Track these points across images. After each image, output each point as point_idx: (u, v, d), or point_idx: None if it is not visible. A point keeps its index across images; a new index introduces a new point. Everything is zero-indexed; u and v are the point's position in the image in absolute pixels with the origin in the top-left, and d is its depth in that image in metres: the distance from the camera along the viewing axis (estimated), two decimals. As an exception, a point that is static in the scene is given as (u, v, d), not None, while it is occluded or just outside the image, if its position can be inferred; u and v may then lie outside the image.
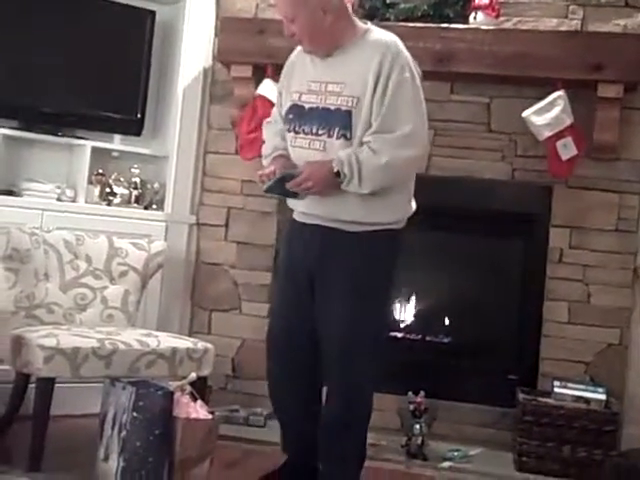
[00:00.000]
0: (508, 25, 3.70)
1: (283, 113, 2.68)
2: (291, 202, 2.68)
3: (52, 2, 3.73)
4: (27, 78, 3.67)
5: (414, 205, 2.65)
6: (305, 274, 2.60)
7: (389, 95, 2.47)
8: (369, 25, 2.63)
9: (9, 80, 3.64)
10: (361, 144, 2.48)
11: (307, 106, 2.57)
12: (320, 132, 2.54)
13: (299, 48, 2.69)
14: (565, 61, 3.50)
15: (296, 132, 2.60)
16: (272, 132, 2.76)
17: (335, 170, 2.46)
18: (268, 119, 2.84)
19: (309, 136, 2.56)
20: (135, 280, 3.41)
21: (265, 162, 2.71)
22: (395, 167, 2.48)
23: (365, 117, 2.48)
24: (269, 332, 2.73)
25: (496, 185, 3.74)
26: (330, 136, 2.51)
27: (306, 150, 2.56)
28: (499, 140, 3.73)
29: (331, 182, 2.48)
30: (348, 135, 2.50)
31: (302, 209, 2.63)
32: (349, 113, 2.49)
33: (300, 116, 2.59)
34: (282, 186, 2.50)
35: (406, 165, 2.53)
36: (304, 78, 2.62)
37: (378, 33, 2.59)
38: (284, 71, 2.75)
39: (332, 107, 2.51)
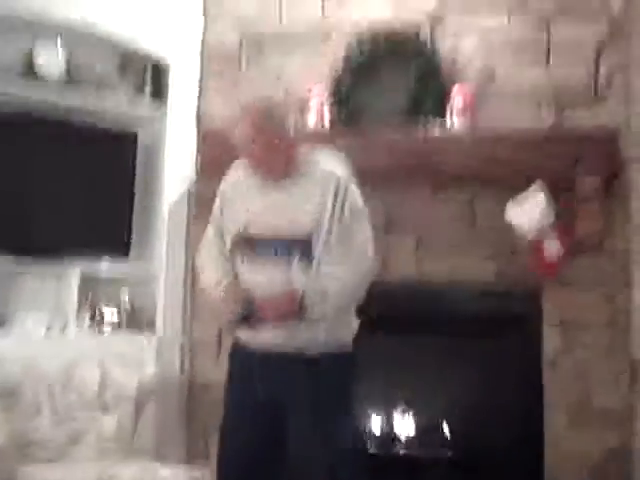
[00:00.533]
0: (483, 127, 3.70)
1: (228, 241, 2.67)
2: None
3: (36, 131, 3.76)
4: (13, 208, 3.69)
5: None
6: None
7: (345, 225, 2.56)
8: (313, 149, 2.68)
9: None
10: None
11: (258, 234, 2.59)
12: (278, 257, 2.56)
13: (236, 172, 2.73)
14: (542, 159, 3.52)
15: (252, 260, 2.60)
16: (215, 253, 2.71)
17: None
18: (204, 242, 2.80)
19: (265, 262, 2.57)
20: (129, 409, 3.40)
21: (216, 289, 2.65)
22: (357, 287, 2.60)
23: (323, 244, 2.54)
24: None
25: (484, 287, 3.71)
26: (289, 262, 2.55)
27: (264, 275, 2.56)
28: (484, 238, 3.72)
29: (297, 314, 2.51)
30: (307, 259, 2.54)
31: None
32: (306, 241, 2.54)
33: (251, 244, 2.60)
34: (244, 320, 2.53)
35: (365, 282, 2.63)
36: (249, 206, 2.63)
37: (325, 160, 2.65)
38: (220, 199, 2.75)
39: (288, 237, 2.55)
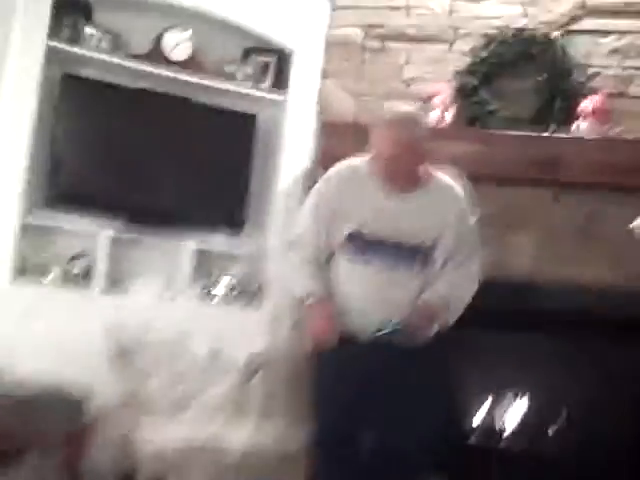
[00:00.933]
0: (612, 133, 3.64)
1: (338, 240, 2.66)
2: None
3: (159, 107, 3.85)
4: (133, 180, 3.78)
5: None
6: None
7: (465, 241, 2.71)
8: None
9: (116, 181, 3.75)
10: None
11: (374, 236, 2.62)
12: (396, 266, 2.62)
13: (346, 170, 2.76)
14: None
15: (364, 262, 2.63)
16: (306, 262, 2.69)
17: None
18: (290, 243, 2.78)
19: (382, 269, 2.62)
20: (236, 380, 3.41)
21: (306, 300, 2.68)
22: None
23: (441, 255, 2.67)
24: None
25: (606, 292, 3.60)
26: (409, 270, 2.63)
27: (378, 284, 2.61)
28: (604, 248, 3.63)
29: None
30: (425, 270, 2.65)
31: None
32: (426, 251, 2.65)
33: (363, 247, 2.63)
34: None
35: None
36: (368, 207, 2.64)
37: (443, 179, 2.73)
38: (330, 194, 2.73)
39: (408, 245, 2.62)
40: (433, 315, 2.63)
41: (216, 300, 3.85)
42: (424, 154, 2.66)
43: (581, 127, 3.63)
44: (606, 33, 3.76)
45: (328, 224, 2.68)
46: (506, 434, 3.85)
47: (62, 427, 2.82)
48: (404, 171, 2.64)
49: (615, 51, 3.76)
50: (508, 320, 3.60)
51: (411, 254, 2.62)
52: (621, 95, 3.72)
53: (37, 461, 2.75)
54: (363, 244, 2.62)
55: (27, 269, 3.57)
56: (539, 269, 3.64)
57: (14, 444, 2.77)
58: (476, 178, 3.63)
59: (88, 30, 3.75)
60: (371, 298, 2.61)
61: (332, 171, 2.82)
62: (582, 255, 3.65)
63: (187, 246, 3.83)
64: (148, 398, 3.19)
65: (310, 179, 3.97)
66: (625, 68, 3.75)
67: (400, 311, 2.59)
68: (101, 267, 3.67)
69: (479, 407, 3.89)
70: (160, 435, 2.83)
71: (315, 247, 2.70)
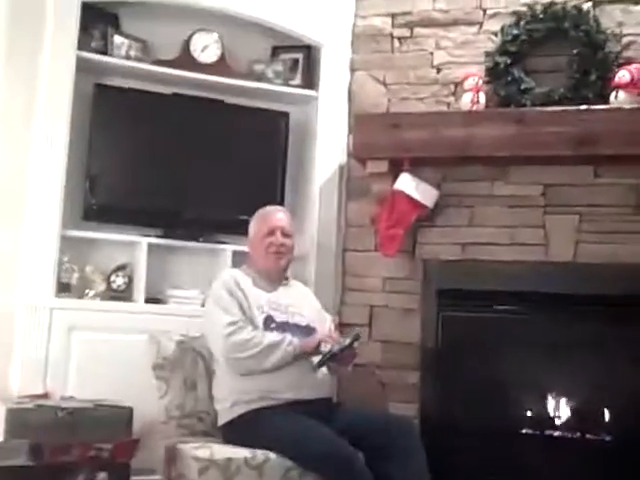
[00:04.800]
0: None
1: (260, 322, 3.02)
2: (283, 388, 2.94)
3: (192, 110, 3.87)
4: (168, 186, 3.80)
5: None
6: None
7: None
8: None
9: (152, 189, 3.77)
10: None
11: (279, 320, 3.05)
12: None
13: (239, 271, 3.19)
14: None
15: None
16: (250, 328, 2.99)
17: None
18: (232, 321, 2.97)
19: None
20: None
21: (289, 346, 2.95)
22: None
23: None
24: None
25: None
26: None
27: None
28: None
29: None
30: None
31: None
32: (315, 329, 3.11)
33: (278, 326, 3.03)
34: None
35: None
36: (261, 297, 3.08)
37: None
38: (234, 287, 3.07)
39: (301, 323, 3.10)
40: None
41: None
42: None
43: (619, 98, 3.53)
44: (638, 1, 3.66)
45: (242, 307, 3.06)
46: (558, 422, 3.76)
47: (110, 439, 2.82)
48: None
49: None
50: (552, 305, 3.56)
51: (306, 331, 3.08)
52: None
53: (89, 474, 2.77)
54: (275, 323, 3.05)
55: (70, 284, 3.60)
56: (580, 249, 3.57)
57: (66, 458, 2.79)
58: (514, 160, 3.64)
59: (117, 39, 3.78)
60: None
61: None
62: (626, 232, 3.54)
63: (226, 250, 3.83)
64: (193, 410, 3.15)
65: (347, 172, 4.01)
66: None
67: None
68: (142, 278, 3.69)
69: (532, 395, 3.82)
70: (207, 450, 2.79)
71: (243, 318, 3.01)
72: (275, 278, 3.19)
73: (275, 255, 3.16)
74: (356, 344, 2.95)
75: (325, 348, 2.93)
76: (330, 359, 2.93)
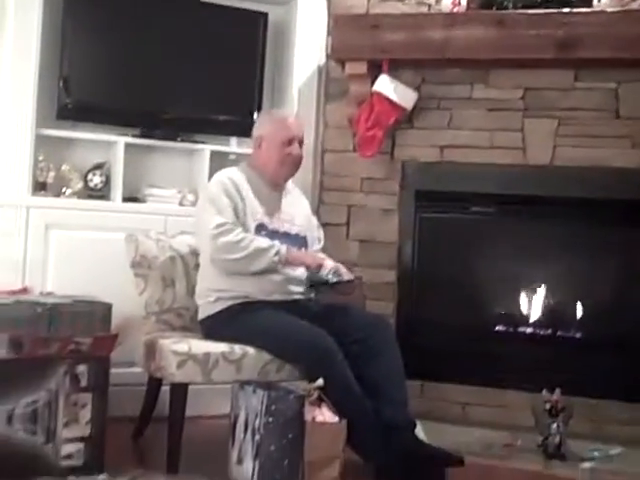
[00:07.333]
0: (635, 5, 3.50)
1: (252, 228, 3.02)
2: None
3: (167, 10, 3.77)
4: (145, 86, 3.73)
5: None
6: None
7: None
8: None
9: (128, 89, 3.71)
10: None
11: (270, 227, 3.07)
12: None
13: (239, 172, 3.11)
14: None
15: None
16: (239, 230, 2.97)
17: None
18: (222, 222, 2.95)
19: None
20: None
21: (275, 256, 2.95)
22: None
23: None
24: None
25: (627, 173, 3.55)
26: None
27: None
28: (628, 127, 3.54)
29: None
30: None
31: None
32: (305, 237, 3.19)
33: (268, 234, 3.04)
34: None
35: None
36: (257, 207, 3.06)
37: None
38: (232, 190, 3.03)
39: (291, 232, 3.13)
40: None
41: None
42: None
43: (602, 1, 3.50)
44: None
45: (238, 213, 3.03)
46: (532, 320, 3.85)
47: (90, 334, 2.84)
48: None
49: None
50: (529, 207, 3.61)
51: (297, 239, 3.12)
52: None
53: (69, 367, 2.80)
54: (267, 232, 3.05)
55: (46, 183, 3.57)
56: (558, 153, 3.59)
57: (46, 351, 2.81)
58: (494, 62, 3.62)
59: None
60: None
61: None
62: (605, 137, 3.57)
63: (204, 150, 3.79)
64: (171, 306, 3.18)
65: (324, 73, 3.97)
66: None
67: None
68: (119, 176, 3.66)
69: (507, 294, 3.91)
70: (185, 345, 2.83)
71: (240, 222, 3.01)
72: (278, 184, 3.16)
73: (291, 166, 3.12)
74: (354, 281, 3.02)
75: (323, 272, 2.94)
76: (323, 285, 2.99)
